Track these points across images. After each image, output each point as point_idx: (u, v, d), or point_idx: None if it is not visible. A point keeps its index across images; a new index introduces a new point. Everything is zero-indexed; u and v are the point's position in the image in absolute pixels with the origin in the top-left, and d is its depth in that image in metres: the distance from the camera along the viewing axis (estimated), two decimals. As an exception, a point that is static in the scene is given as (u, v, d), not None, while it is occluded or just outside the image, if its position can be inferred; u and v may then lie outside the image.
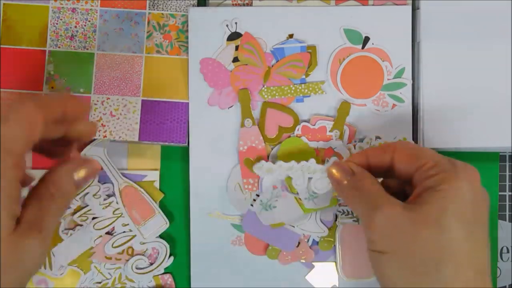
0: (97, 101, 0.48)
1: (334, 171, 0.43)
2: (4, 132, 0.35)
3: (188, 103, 0.49)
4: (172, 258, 0.50)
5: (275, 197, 0.48)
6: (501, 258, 0.51)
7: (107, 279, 0.50)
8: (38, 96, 0.44)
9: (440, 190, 0.38)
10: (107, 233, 0.49)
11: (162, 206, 0.50)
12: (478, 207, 0.38)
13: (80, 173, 0.39)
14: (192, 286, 0.49)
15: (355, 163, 0.42)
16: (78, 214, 0.49)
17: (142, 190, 0.49)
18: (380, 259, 0.38)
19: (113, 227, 0.49)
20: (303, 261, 0.49)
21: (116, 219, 0.49)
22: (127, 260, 0.49)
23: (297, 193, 0.48)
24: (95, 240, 0.49)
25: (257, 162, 0.47)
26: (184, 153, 0.50)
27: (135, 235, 0.49)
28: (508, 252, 0.51)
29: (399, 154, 0.41)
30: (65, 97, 0.40)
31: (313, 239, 0.49)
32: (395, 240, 0.38)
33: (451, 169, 0.39)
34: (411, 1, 0.49)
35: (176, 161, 0.50)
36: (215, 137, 0.48)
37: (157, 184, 0.50)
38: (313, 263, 0.49)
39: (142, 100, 0.49)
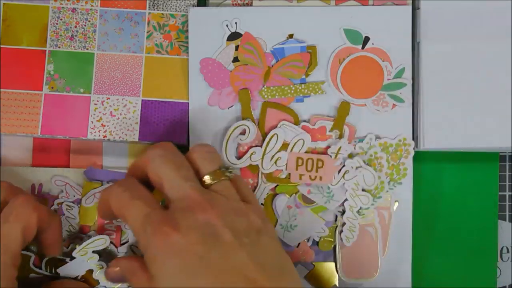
0: (97, 101, 0.48)
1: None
2: (4, 231, 0.37)
3: (188, 103, 0.49)
4: None
5: (293, 216, 0.48)
6: (501, 258, 0.51)
7: None
8: (31, 197, 0.42)
9: None
10: None
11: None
12: None
13: None
14: (192, 286, 0.49)
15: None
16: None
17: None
18: None
19: None
20: (303, 261, 0.49)
21: None
22: None
23: (312, 204, 0.48)
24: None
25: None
26: (184, 153, 0.50)
27: None
28: (508, 252, 0.51)
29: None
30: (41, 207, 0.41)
31: (313, 239, 0.49)
32: None
33: None
34: (411, 1, 0.49)
35: (176, 161, 0.50)
36: (215, 137, 0.48)
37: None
38: (313, 263, 0.49)
39: (142, 100, 0.49)
